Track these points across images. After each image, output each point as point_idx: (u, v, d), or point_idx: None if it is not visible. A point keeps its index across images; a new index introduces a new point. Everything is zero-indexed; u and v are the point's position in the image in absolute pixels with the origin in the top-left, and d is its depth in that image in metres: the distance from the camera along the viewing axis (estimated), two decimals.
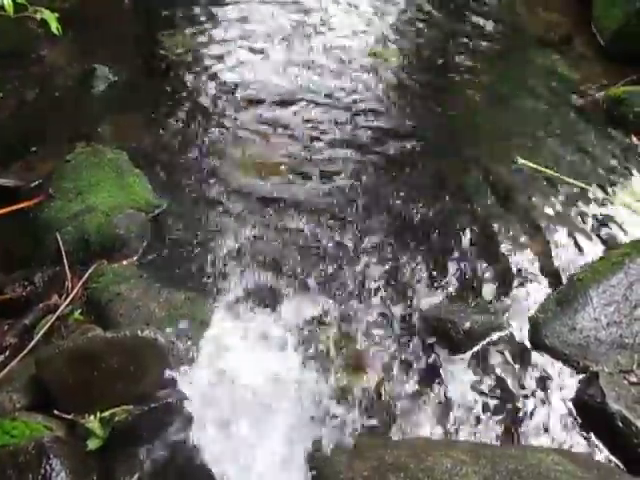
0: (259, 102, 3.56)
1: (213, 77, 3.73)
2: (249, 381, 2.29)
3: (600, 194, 3.15)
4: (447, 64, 4.01)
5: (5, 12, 2.16)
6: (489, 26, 4.41)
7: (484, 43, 4.22)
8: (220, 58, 3.88)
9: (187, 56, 3.87)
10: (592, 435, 2.25)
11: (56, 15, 2.34)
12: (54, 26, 2.31)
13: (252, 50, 3.95)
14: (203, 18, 4.23)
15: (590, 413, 2.27)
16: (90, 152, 3.01)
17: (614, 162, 3.36)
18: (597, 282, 2.60)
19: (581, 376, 2.39)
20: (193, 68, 3.79)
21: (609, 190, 3.18)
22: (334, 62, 3.90)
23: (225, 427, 2.18)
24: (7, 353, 2.33)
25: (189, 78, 3.72)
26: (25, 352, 2.30)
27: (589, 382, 2.33)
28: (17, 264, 2.62)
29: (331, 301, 2.60)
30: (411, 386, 2.35)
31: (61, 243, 2.64)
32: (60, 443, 2.02)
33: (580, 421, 2.28)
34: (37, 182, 2.94)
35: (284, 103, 3.55)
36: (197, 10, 4.30)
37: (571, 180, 3.19)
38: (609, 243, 2.91)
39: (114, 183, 2.87)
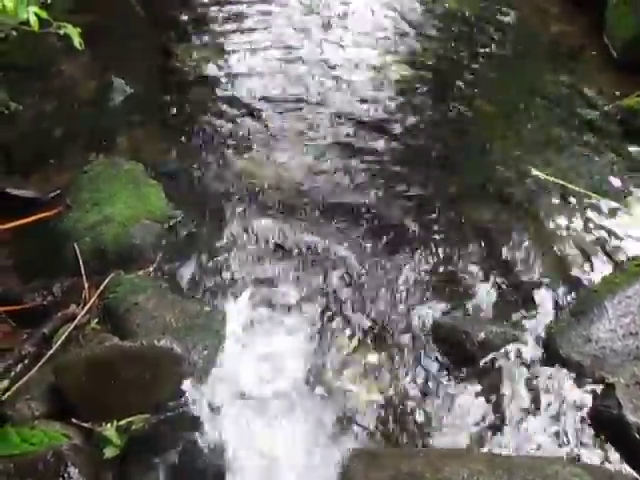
0: (274, 114, 3.58)
1: (227, 89, 3.76)
2: (265, 391, 2.30)
3: (614, 205, 3.14)
4: (458, 75, 4.02)
5: (30, 27, 2.21)
6: (501, 37, 4.42)
7: (496, 54, 4.23)
8: (234, 69, 3.91)
9: (201, 68, 3.91)
10: (609, 446, 2.23)
11: (78, 30, 2.39)
12: (77, 41, 2.36)
13: (266, 61, 3.97)
14: (218, 30, 4.27)
15: (607, 424, 2.26)
16: (107, 163, 3.06)
17: (628, 173, 3.34)
18: (612, 293, 2.58)
19: (597, 387, 2.37)
20: (207, 80, 3.82)
21: (623, 201, 3.17)
22: (346, 73, 3.92)
23: (241, 436, 2.19)
24: (26, 361, 2.35)
25: (203, 90, 3.76)
26: (43, 361, 2.32)
27: (605, 393, 2.31)
28: (36, 274, 2.65)
29: (346, 312, 2.61)
30: (426, 396, 2.35)
31: (79, 253, 2.67)
32: (78, 451, 2.04)
33: (596, 432, 2.27)
34: (55, 193, 2.98)
35: (299, 116, 3.56)
36: (212, 23, 4.35)
37: (585, 191, 3.19)
38: (624, 254, 2.90)
39: (130, 194, 2.90)
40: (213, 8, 4.46)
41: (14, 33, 3.48)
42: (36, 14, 2.19)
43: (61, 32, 2.38)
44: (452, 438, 2.22)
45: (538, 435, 2.25)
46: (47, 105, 3.51)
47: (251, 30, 4.25)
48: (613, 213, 3.10)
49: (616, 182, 3.29)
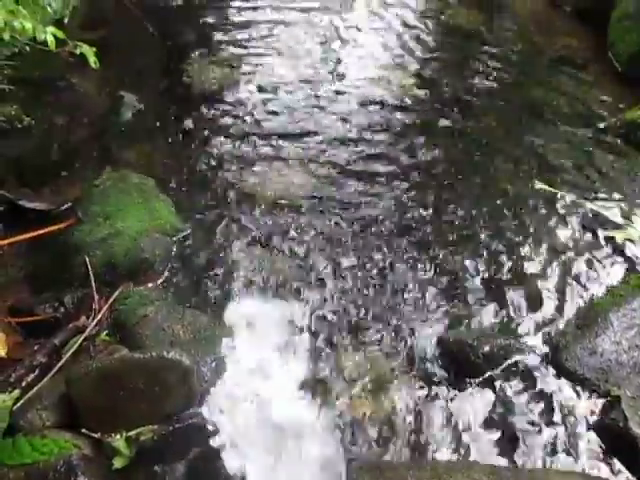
0: (284, 131, 3.62)
1: (236, 106, 3.80)
2: (272, 402, 2.32)
3: (618, 218, 3.16)
4: (465, 90, 4.06)
5: (47, 47, 2.26)
6: (506, 52, 4.46)
7: (501, 69, 4.27)
8: (243, 87, 3.96)
9: (211, 85, 3.96)
10: (614, 459, 2.23)
11: (94, 50, 2.43)
12: (92, 60, 2.40)
13: (276, 80, 4.01)
14: (228, 48, 4.32)
15: (612, 437, 2.26)
16: (117, 177, 3.10)
17: (632, 186, 3.37)
18: (617, 305, 2.60)
19: (602, 400, 2.38)
20: (217, 96, 3.87)
21: (627, 214, 3.19)
22: (357, 93, 3.96)
23: (248, 448, 2.21)
24: (37, 372, 2.38)
25: (213, 106, 3.80)
26: (54, 371, 2.35)
27: (611, 406, 2.32)
28: (47, 286, 2.68)
29: (352, 325, 2.63)
30: (431, 409, 2.36)
31: (89, 266, 2.71)
32: (87, 461, 2.07)
33: (602, 445, 2.27)
34: (67, 206, 3.02)
35: (309, 137, 3.59)
36: (222, 39, 4.41)
37: (588, 204, 3.21)
38: (628, 267, 2.91)
39: (140, 208, 2.94)
40: (224, 27, 4.52)
41: (27, 48, 3.55)
42: (53, 34, 2.23)
43: (77, 51, 2.42)
44: (458, 450, 2.23)
45: (544, 448, 2.26)
46: (59, 119, 3.56)
47: (261, 49, 4.29)
48: (617, 225, 3.12)
49: (619, 194, 3.32)
